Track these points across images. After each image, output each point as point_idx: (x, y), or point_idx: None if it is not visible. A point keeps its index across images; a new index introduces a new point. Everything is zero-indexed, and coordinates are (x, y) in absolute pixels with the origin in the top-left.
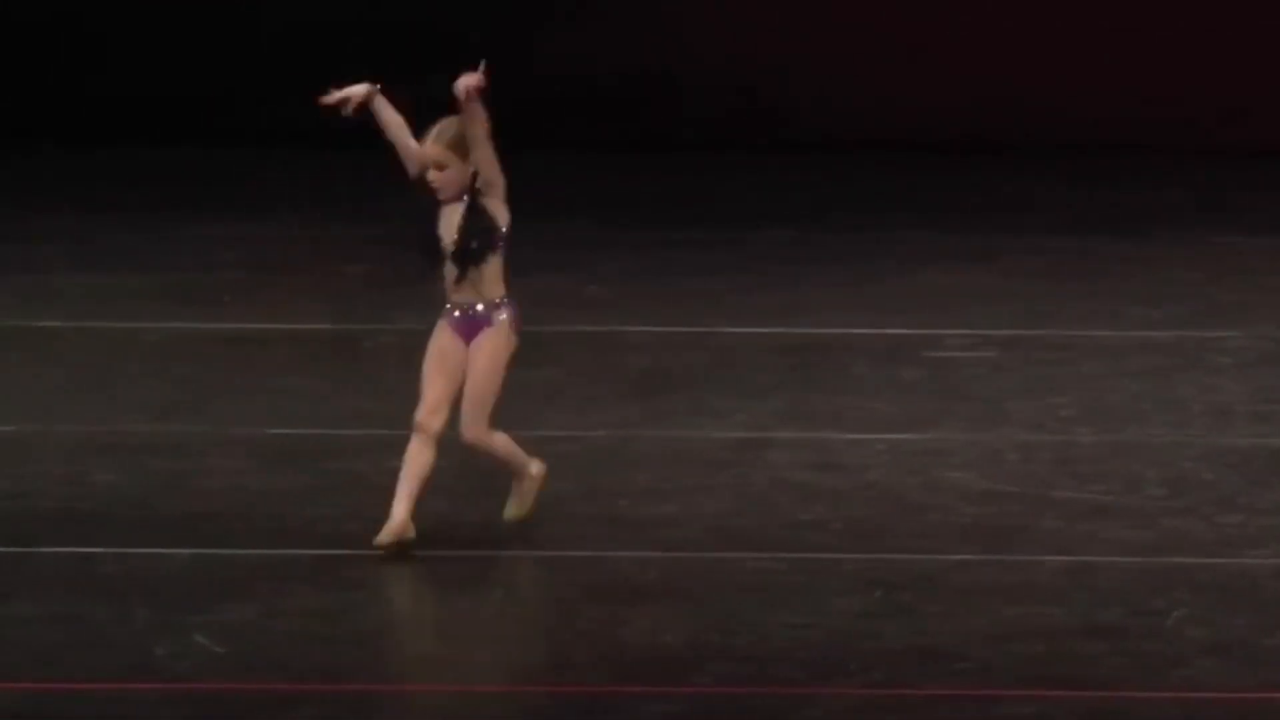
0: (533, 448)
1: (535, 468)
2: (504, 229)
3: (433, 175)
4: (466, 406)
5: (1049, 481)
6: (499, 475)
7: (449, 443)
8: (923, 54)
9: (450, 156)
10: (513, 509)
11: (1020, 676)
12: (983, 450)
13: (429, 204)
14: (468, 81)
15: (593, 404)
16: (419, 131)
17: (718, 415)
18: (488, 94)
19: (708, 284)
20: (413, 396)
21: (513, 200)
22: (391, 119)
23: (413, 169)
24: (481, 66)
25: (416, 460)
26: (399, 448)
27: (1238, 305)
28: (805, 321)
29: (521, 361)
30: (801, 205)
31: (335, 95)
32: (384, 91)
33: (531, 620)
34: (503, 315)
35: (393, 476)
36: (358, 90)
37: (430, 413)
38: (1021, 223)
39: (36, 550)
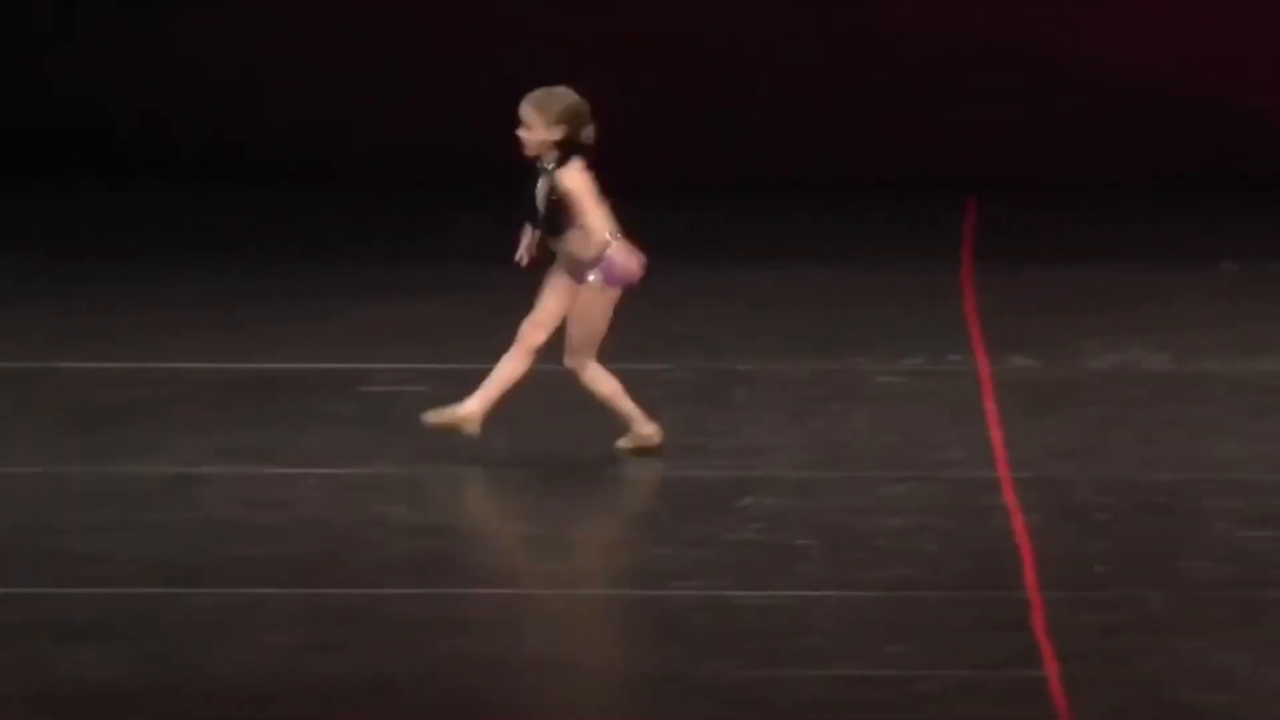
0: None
1: (647, 428)
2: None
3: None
4: (568, 344)
5: (480, 515)
6: None
7: None
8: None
9: (532, 115)
10: (626, 443)
11: (451, 711)
12: (414, 484)
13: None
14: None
15: (24, 440)
16: None
17: (150, 451)
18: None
19: (141, 318)
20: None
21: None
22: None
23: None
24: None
25: (506, 366)
26: None
27: (677, 337)
28: (238, 357)
29: None
30: (245, 238)
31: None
32: None
33: None
34: (590, 276)
35: None
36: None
37: (534, 326)
38: (479, 256)
39: None
